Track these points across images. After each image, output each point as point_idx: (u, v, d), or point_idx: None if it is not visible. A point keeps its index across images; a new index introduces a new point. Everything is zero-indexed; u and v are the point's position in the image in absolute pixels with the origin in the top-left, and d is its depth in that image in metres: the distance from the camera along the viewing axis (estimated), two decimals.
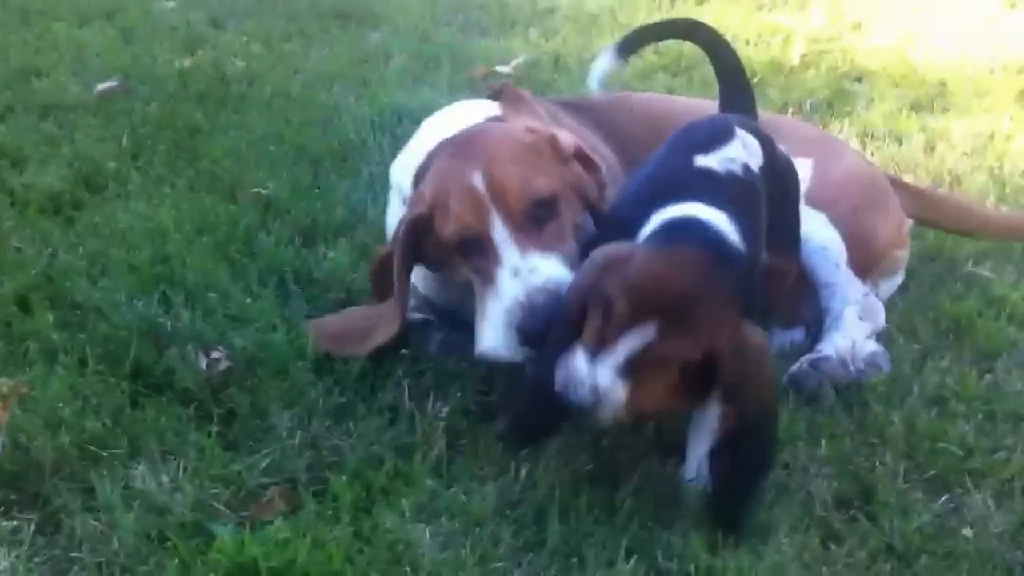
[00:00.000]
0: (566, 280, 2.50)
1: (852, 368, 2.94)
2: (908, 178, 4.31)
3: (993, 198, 4.17)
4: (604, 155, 3.15)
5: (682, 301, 2.14)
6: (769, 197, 2.67)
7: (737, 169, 2.59)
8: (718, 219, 2.36)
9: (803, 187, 3.18)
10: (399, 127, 4.37)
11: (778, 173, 2.80)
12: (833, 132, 4.72)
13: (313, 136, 4.32)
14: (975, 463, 2.58)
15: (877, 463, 2.55)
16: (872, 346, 3.02)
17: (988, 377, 2.94)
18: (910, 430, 2.67)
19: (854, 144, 4.59)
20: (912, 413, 2.73)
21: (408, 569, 2.12)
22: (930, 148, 4.67)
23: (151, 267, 3.18)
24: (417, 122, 3.97)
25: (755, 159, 2.68)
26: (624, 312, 2.13)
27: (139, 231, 3.41)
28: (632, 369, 2.13)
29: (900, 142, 4.73)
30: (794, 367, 2.94)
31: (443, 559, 2.15)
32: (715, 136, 2.66)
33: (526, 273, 2.54)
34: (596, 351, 2.15)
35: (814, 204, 3.17)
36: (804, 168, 3.19)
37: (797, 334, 3.14)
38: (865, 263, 3.17)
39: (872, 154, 4.53)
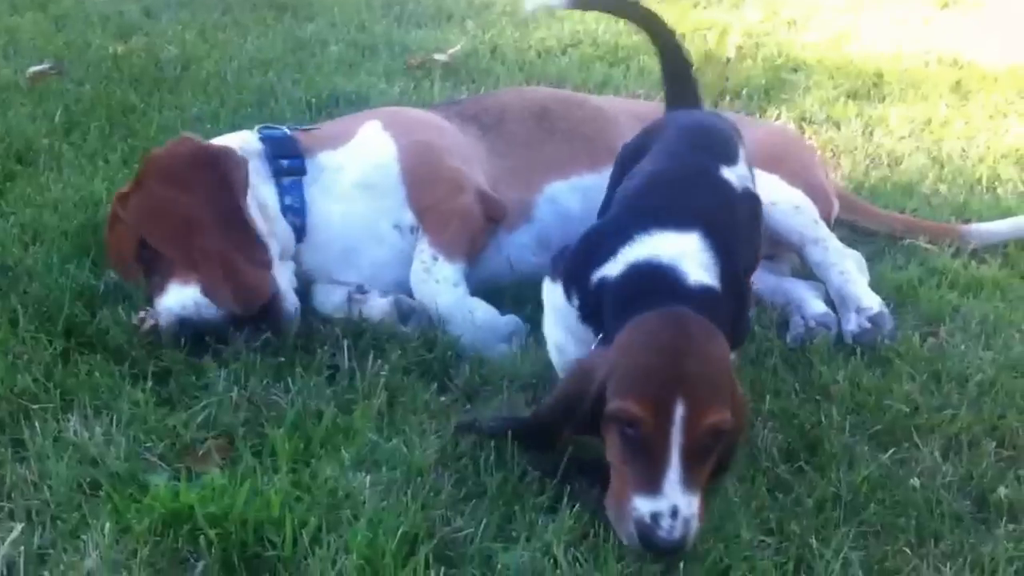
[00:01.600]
0: None
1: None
2: (847, 160, 4.34)
3: (932, 178, 4.20)
4: (459, 146, 3.15)
5: (701, 378, 1.97)
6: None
7: (749, 186, 2.56)
8: (687, 253, 2.18)
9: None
10: (336, 110, 4.32)
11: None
12: (771, 118, 4.74)
13: (249, 116, 4.23)
14: (921, 419, 2.57)
15: (823, 418, 2.53)
16: (880, 304, 3.02)
17: (931, 340, 2.94)
18: (855, 388, 2.66)
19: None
20: (857, 373, 2.72)
21: (349, 515, 2.06)
22: (868, 132, 4.70)
23: (85, 234, 3.10)
24: (355, 105, 3.94)
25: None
26: (654, 420, 1.95)
27: (72, 201, 3.32)
28: (691, 475, 1.98)
29: (838, 127, 4.76)
30: (853, 327, 2.95)
31: (384, 507, 2.09)
32: (731, 150, 2.56)
33: None
34: (653, 482, 1.96)
35: (762, 168, 3.18)
36: None
37: None
38: (825, 214, 3.21)
39: (811, 138, 4.55)
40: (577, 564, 2.00)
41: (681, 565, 2.02)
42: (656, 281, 2.13)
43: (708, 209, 2.30)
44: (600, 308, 2.20)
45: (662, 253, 2.16)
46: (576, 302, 2.29)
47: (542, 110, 3.34)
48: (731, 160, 2.52)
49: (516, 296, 3.00)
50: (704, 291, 2.13)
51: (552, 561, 2.00)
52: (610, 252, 2.20)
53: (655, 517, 1.93)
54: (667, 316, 2.04)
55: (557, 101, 3.42)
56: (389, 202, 2.97)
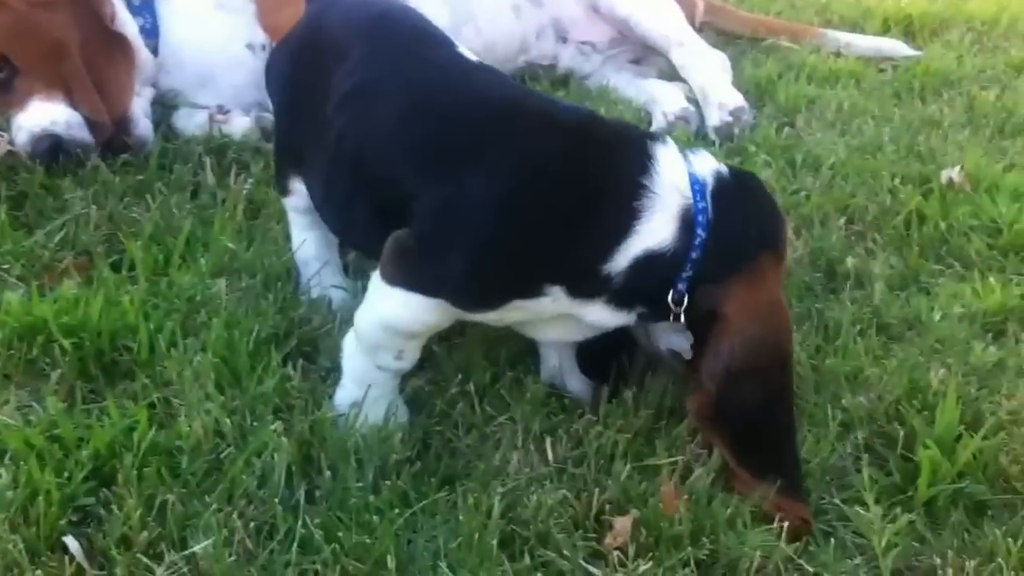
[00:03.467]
0: None
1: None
2: None
3: None
4: None
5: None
6: None
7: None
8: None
9: None
10: None
11: None
12: None
13: None
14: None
15: None
16: (740, 99, 3.02)
17: (788, 130, 2.93)
18: None
19: None
20: None
21: (207, 319, 2.01)
22: None
23: None
24: None
25: None
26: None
27: None
28: None
29: None
30: (714, 122, 2.95)
31: (244, 309, 2.04)
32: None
33: None
34: None
35: None
36: None
37: None
38: (688, 16, 3.20)
39: None
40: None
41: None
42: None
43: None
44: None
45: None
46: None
47: None
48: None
49: None
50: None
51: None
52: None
53: None
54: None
55: None
56: (239, 20, 2.86)
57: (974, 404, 1.85)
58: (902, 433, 1.78)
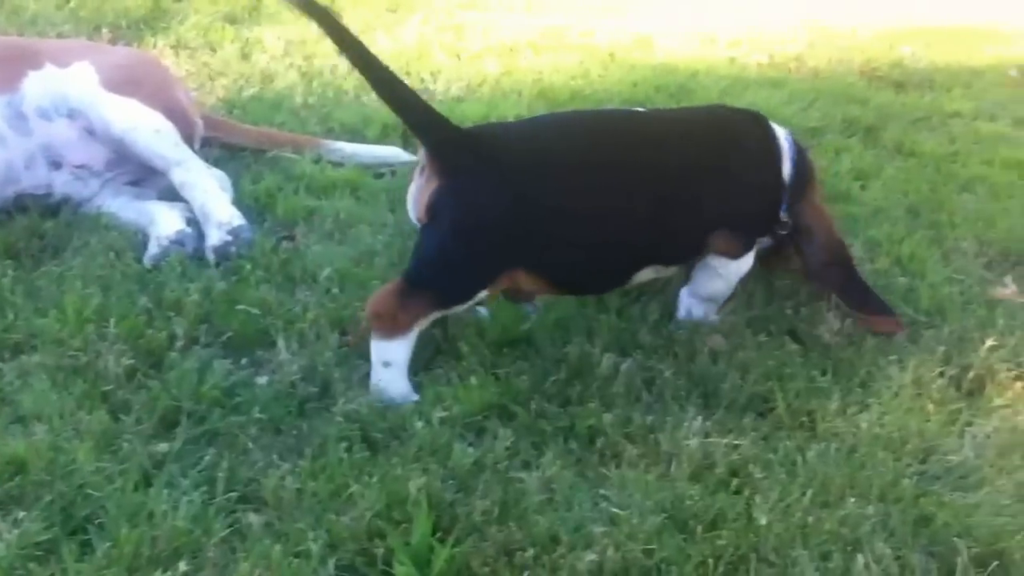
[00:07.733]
0: None
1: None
2: (221, 82, 4.26)
3: (301, 92, 4.20)
4: None
5: None
6: None
7: None
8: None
9: (96, 81, 3.09)
10: None
11: None
12: (148, 47, 4.57)
13: None
14: (273, 319, 2.52)
15: (174, 332, 2.42)
16: (239, 217, 2.97)
17: (287, 243, 2.92)
18: (206, 299, 2.57)
19: (168, 57, 4.45)
20: (209, 284, 2.64)
21: None
22: (245, 54, 4.63)
23: None
24: None
25: None
26: None
27: None
28: None
29: (215, 50, 4.64)
30: (214, 242, 2.89)
31: None
32: None
33: None
34: None
35: (118, 92, 3.05)
36: (86, 70, 3.13)
37: None
38: (187, 134, 3.13)
39: (185, 63, 4.42)
40: None
41: None
42: None
43: None
44: None
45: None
46: None
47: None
48: None
49: None
50: None
51: None
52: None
53: None
54: None
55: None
56: None
57: (450, 509, 1.87)
58: (381, 550, 1.77)
